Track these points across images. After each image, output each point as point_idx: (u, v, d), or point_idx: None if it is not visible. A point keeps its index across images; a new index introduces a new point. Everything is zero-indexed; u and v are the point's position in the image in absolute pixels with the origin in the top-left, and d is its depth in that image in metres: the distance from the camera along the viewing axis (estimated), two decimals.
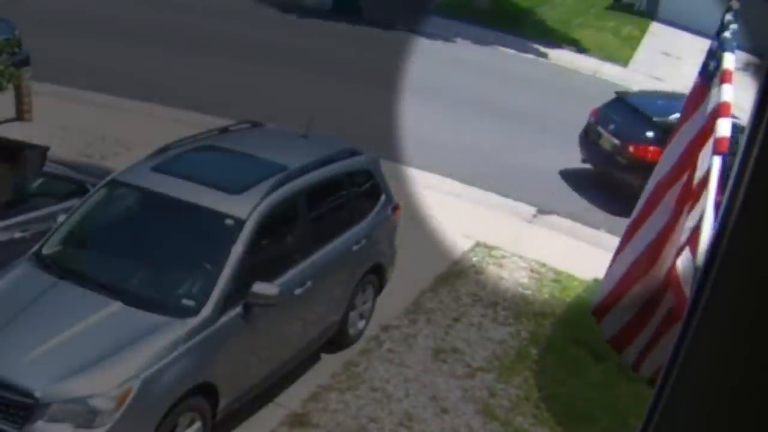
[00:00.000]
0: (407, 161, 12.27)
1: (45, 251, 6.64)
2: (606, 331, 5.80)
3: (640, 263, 5.54)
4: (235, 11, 19.65)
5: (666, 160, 5.45)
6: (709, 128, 4.93)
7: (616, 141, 12.51)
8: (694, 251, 4.47)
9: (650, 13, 27.10)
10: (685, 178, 5.06)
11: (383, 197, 8.46)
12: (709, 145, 4.79)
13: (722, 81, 4.80)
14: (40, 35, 13.27)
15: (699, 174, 4.85)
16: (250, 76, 15.23)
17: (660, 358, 5.08)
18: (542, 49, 21.67)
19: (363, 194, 8.28)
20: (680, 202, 4.90)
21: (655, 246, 5.38)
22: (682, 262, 4.76)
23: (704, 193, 4.59)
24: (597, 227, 11.72)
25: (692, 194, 4.80)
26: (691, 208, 4.75)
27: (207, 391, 6.14)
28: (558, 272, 10.17)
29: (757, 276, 1.14)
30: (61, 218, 6.97)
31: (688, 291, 4.68)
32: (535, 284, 9.85)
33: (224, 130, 8.30)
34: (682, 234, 4.83)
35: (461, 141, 13.92)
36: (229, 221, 6.57)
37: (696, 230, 4.55)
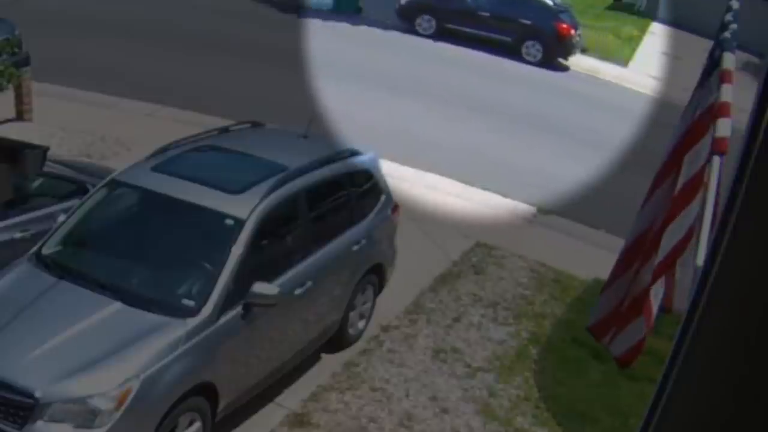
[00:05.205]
0: (407, 161, 12.26)
1: (45, 251, 6.63)
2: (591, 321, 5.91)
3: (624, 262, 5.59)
4: (235, 11, 19.64)
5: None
6: (697, 129, 4.91)
7: None
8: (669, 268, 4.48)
9: (650, 13, 27.13)
10: (670, 180, 5.04)
11: (383, 197, 8.46)
12: (700, 145, 4.77)
13: (722, 81, 4.79)
14: (40, 35, 13.26)
15: (686, 175, 4.83)
16: (250, 76, 15.23)
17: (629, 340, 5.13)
18: None
19: (363, 194, 8.27)
20: (669, 213, 4.89)
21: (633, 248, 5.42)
22: (656, 290, 4.77)
23: (696, 196, 4.57)
24: (597, 227, 11.72)
25: (677, 201, 4.78)
26: (673, 219, 4.73)
27: (207, 391, 6.13)
28: (558, 272, 10.17)
29: (758, 275, 1.14)
30: (61, 218, 6.96)
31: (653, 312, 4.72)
32: (535, 284, 9.85)
33: (224, 130, 8.30)
34: (660, 254, 4.81)
35: (461, 141, 13.92)
36: (229, 221, 6.57)
37: (682, 240, 4.53)
